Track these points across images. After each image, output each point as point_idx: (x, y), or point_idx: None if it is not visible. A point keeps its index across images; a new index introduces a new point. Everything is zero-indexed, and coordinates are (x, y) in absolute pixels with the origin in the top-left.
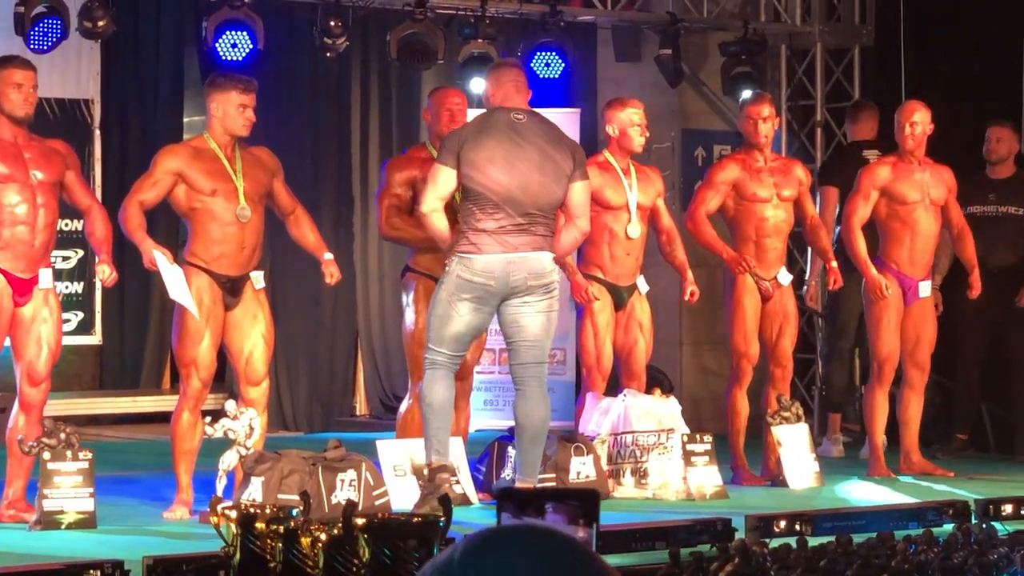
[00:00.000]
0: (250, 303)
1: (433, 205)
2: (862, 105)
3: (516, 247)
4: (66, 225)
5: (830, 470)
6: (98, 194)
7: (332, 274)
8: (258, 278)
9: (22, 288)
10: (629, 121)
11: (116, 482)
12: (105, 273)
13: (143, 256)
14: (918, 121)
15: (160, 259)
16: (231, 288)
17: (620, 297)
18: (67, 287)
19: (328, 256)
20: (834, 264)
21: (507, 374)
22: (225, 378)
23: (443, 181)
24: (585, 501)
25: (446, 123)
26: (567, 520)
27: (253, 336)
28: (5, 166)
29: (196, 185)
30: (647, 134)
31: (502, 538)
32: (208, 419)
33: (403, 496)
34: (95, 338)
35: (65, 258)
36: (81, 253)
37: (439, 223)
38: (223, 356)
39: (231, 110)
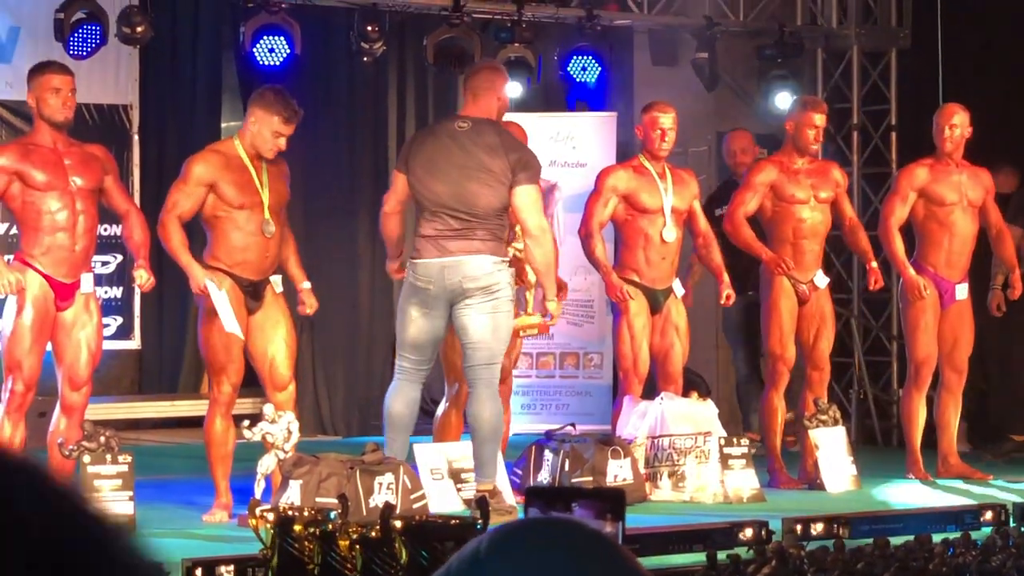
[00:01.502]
0: (271, 307)
1: (391, 208)
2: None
3: (452, 251)
4: (105, 230)
5: (868, 473)
6: (136, 199)
7: (311, 304)
8: (277, 282)
9: (64, 293)
10: (652, 125)
11: (155, 485)
12: (143, 278)
13: (190, 281)
14: (957, 124)
15: (212, 287)
16: (253, 292)
17: (656, 300)
18: (106, 292)
19: (306, 285)
20: (874, 265)
21: (545, 378)
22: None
23: (399, 186)
24: (611, 499)
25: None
26: (594, 516)
27: (276, 340)
28: (45, 173)
29: (225, 197)
30: (669, 139)
31: (529, 530)
32: (246, 423)
33: (440, 499)
34: (134, 343)
35: (104, 263)
36: (120, 258)
37: (389, 226)
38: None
39: (266, 133)
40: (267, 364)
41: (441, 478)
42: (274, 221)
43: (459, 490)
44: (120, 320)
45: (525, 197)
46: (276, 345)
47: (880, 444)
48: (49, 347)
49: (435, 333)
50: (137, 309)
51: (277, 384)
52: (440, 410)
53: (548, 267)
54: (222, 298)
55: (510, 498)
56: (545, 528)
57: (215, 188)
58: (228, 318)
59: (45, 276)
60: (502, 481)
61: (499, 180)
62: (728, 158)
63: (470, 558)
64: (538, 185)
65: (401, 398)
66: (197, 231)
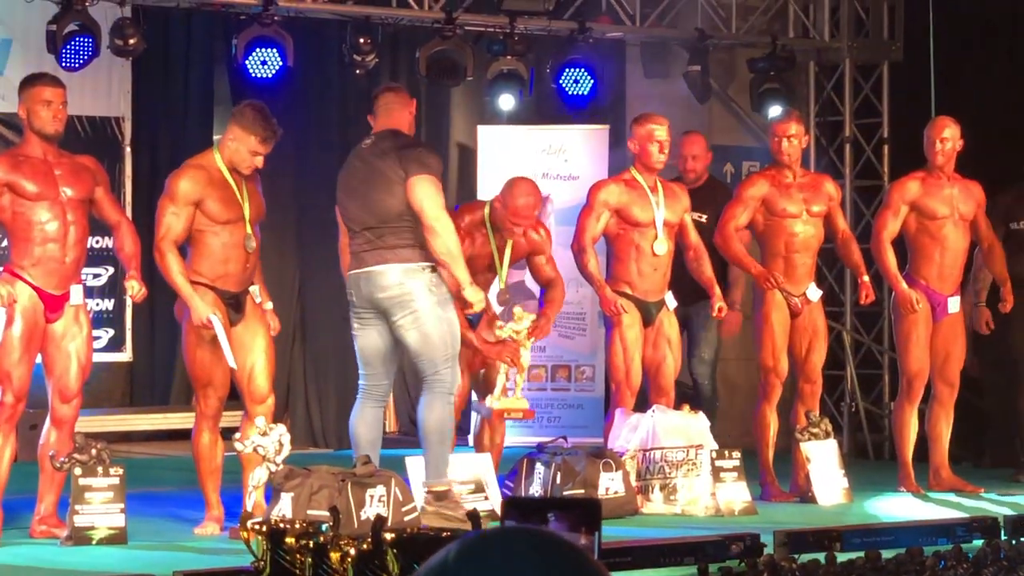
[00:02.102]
0: (251, 319)
1: (342, 243)
2: None
3: (366, 263)
4: (97, 242)
5: (860, 486)
6: (128, 211)
7: (274, 327)
8: (256, 292)
9: (54, 304)
10: (649, 137)
11: (147, 498)
12: (134, 289)
13: (191, 312)
14: (948, 137)
15: (216, 322)
16: (235, 305)
17: (649, 313)
18: (98, 304)
19: (269, 306)
20: (866, 279)
21: (536, 391)
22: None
23: (339, 219)
24: (587, 510)
25: None
26: (569, 528)
27: (255, 352)
28: (36, 184)
29: (210, 213)
30: (666, 151)
31: (497, 539)
32: (237, 435)
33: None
34: (126, 355)
35: (96, 275)
36: (112, 270)
37: (344, 261)
38: None
39: (243, 151)
40: (246, 376)
41: None
42: (254, 234)
43: None
44: (112, 332)
45: (415, 188)
46: (255, 355)
47: (872, 457)
48: (39, 359)
49: (376, 347)
50: (129, 321)
51: (255, 397)
52: None
53: (452, 256)
54: (222, 331)
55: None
56: (514, 538)
57: (201, 204)
58: (229, 352)
59: (35, 288)
60: (493, 493)
61: (393, 181)
62: (679, 162)
63: (438, 567)
64: (432, 177)
65: (361, 419)
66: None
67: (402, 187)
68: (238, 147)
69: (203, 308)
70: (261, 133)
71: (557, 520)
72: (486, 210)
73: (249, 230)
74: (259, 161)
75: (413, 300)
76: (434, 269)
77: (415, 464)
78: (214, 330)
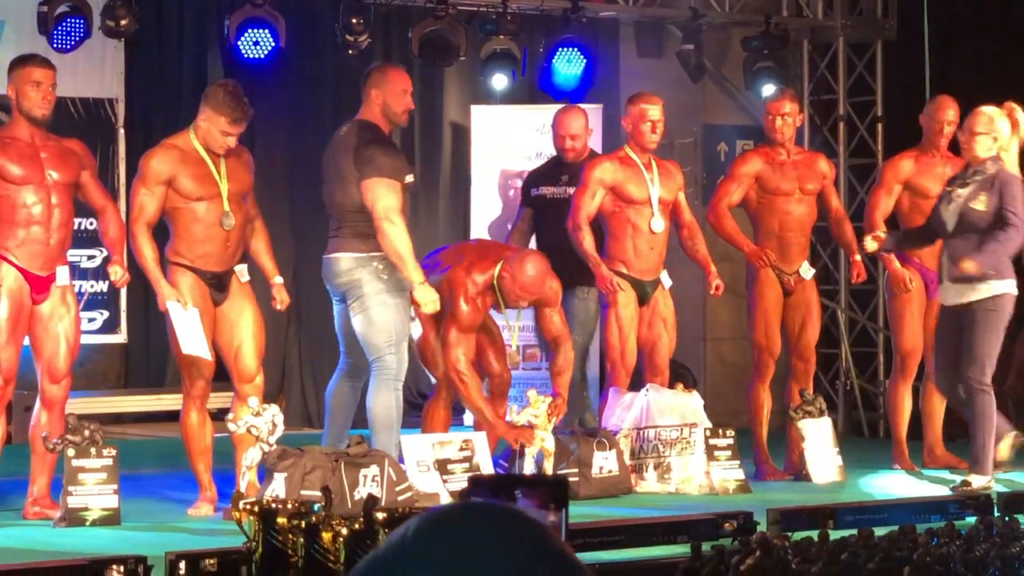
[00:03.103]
0: (237, 298)
1: None
2: None
3: (327, 249)
4: (91, 224)
5: (855, 464)
6: (122, 192)
7: (282, 300)
8: (242, 271)
9: (39, 286)
10: (641, 117)
11: (141, 479)
12: (118, 274)
13: (157, 297)
14: (954, 120)
15: (175, 308)
16: (217, 284)
17: (644, 292)
18: (92, 286)
19: (278, 280)
20: (858, 258)
21: (531, 371)
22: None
23: None
24: (554, 487)
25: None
26: (537, 505)
27: (241, 331)
28: (21, 167)
29: (182, 190)
30: (658, 131)
31: (455, 513)
32: (230, 416)
33: (426, 491)
34: (120, 337)
35: (90, 257)
36: (106, 252)
37: None
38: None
39: (215, 131)
40: (232, 355)
41: (427, 470)
42: (235, 211)
43: (445, 481)
44: (106, 314)
45: (368, 190)
46: (241, 335)
47: (867, 435)
48: (27, 341)
49: (345, 327)
50: (123, 303)
51: (243, 375)
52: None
53: (399, 256)
54: (188, 317)
55: None
56: (473, 513)
57: (172, 182)
58: (190, 341)
59: (20, 269)
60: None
61: (349, 180)
62: (556, 140)
63: (398, 541)
64: (384, 179)
65: (336, 392)
66: (160, 224)
67: (356, 187)
68: (209, 127)
69: (167, 293)
70: (230, 114)
71: (525, 497)
72: (495, 273)
73: (227, 207)
74: (231, 141)
75: (361, 286)
76: (382, 258)
77: (410, 443)
78: (171, 318)
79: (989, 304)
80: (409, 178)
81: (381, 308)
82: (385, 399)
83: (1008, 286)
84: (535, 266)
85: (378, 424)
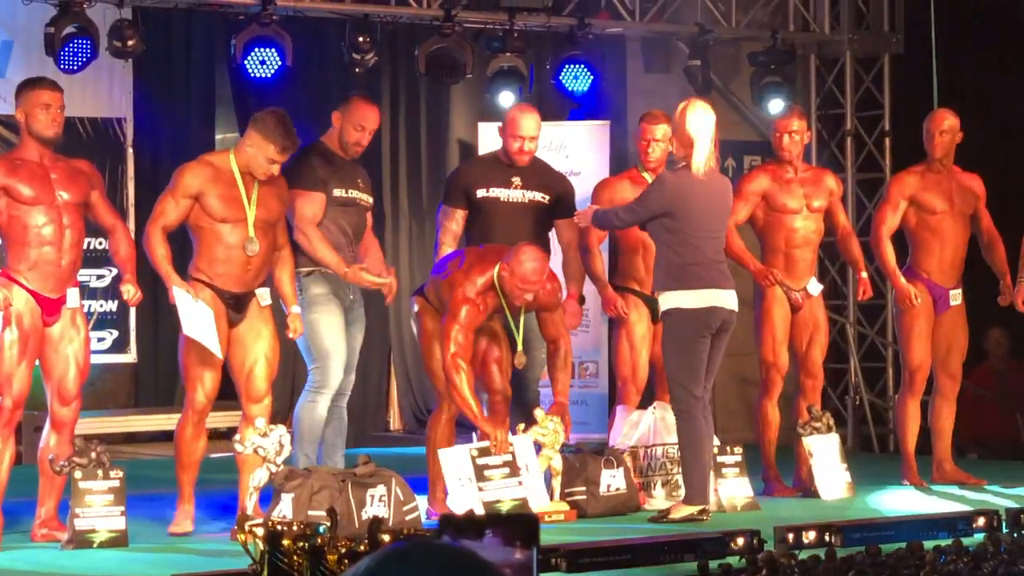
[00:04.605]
0: (255, 320)
1: None
2: None
3: None
4: (100, 244)
5: (864, 480)
6: (131, 212)
7: (295, 330)
8: (264, 295)
9: (50, 308)
10: (640, 136)
11: (150, 499)
12: (130, 292)
13: (168, 292)
14: (947, 129)
15: (181, 296)
16: (235, 304)
17: (655, 309)
18: (101, 306)
19: (296, 310)
20: (864, 275)
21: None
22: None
23: None
24: (523, 525)
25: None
26: (504, 543)
27: (255, 352)
28: (32, 188)
29: (209, 209)
30: (658, 150)
31: (407, 552)
32: (237, 437)
33: (464, 506)
34: (130, 356)
35: (99, 277)
36: (115, 271)
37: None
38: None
39: (261, 159)
40: (244, 376)
41: (468, 482)
42: (260, 238)
43: (481, 489)
44: (116, 334)
45: (294, 206)
46: (255, 357)
47: (877, 450)
48: (37, 363)
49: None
50: (133, 323)
51: (252, 396)
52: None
53: (318, 257)
54: (197, 309)
55: (544, 499)
56: (421, 551)
57: (200, 199)
58: (198, 328)
59: (31, 292)
60: (537, 483)
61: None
62: (509, 141)
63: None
64: (297, 192)
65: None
66: (186, 240)
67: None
68: (256, 153)
69: (176, 283)
70: (280, 143)
71: (493, 535)
72: (495, 273)
73: (251, 233)
74: (275, 169)
75: (301, 300)
76: (305, 275)
77: (449, 457)
78: (178, 303)
79: None
80: (353, 193)
81: (305, 326)
82: (304, 409)
83: None
84: (531, 257)
85: (302, 434)
